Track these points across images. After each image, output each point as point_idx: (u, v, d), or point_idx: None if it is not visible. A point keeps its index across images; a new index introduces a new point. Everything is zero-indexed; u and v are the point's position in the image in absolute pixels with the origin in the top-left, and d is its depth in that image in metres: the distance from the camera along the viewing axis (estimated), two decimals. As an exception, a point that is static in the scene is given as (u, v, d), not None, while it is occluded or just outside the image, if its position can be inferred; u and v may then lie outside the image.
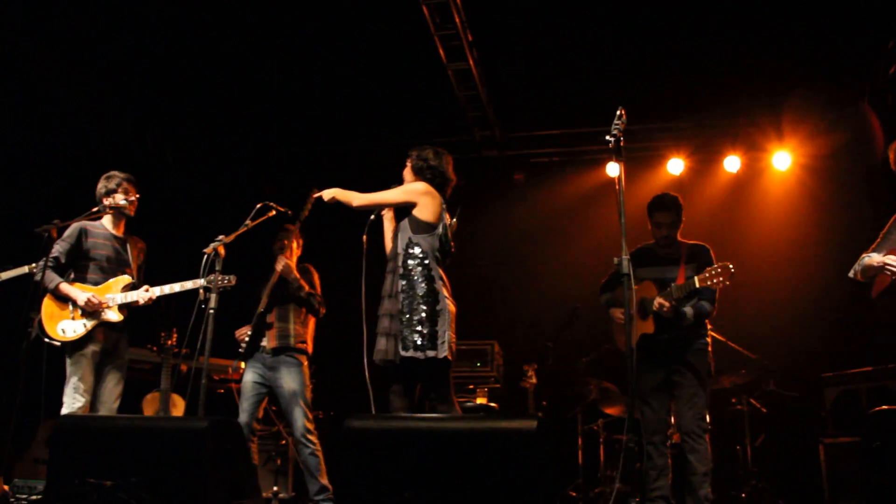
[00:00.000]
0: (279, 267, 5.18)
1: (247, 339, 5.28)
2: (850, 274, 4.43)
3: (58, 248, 4.99)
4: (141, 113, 8.49)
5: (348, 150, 8.88)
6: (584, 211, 8.41)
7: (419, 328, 4.03)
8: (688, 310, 4.82)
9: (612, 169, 8.28)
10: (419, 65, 7.33)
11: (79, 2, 6.69)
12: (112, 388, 5.04)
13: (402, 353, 4.01)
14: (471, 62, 7.08)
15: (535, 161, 8.69)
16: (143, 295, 5.00)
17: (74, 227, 5.08)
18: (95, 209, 5.05)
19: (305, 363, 5.34)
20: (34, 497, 4.12)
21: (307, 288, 5.32)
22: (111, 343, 5.07)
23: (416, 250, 4.21)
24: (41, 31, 7.05)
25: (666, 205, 5.06)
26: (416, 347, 4.00)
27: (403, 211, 4.38)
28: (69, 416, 4.43)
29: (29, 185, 7.58)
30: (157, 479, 3.19)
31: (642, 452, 5.11)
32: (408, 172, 4.53)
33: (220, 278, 4.64)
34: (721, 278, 4.58)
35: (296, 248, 5.48)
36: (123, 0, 6.68)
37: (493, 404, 6.77)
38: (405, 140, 8.32)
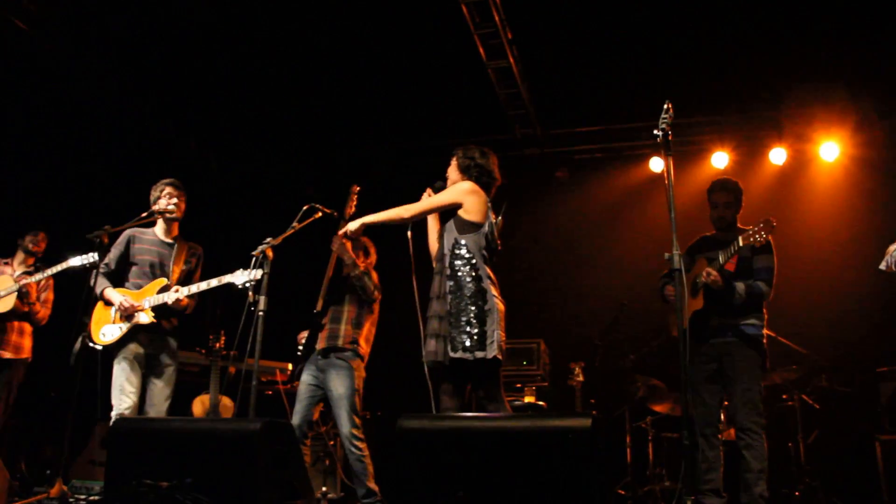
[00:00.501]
0: (334, 246, 5.12)
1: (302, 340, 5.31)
2: (882, 266, 4.32)
3: (110, 256, 5.14)
4: (184, 119, 8.61)
5: (390, 150, 8.91)
6: (629, 207, 8.33)
7: (468, 329, 3.99)
8: (739, 285, 4.72)
9: (656, 164, 8.21)
10: (459, 64, 7.32)
11: (123, 13, 6.81)
12: (160, 391, 5.09)
13: (451, 354, 3.97)
14: (511, 60, 7.06)
15: (577, 158, 8.64)
16: (171, 296, 5.01)
17: (125, 234, 5.19)
18: (144, 214, 5.12)
19: (357, 365, 5.22)
20: (92, 498, 4.19)
21: (361, 266, 5.22)
22: (156, 346, 5.12)
23: (463, 250, 4.17)
24: (90, 43, 7.20)
25: (723, 185, 5.04)
26: (465, 349, 3.96)
27: (449, 211, 4.34)
28: (124, 419, 4.50)
29: (81, 192, 7.75)
30: (211, 480, 3.22)
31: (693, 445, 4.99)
32: (453, 170, 4.48)
33: (246, 273, 4.67)
34: (763, 234, 4.51)
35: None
36: (165, 9, 6.78)
37: (541, 403, 6.73)
38: (446, 139, 8.38)
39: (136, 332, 5.06)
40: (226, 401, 6.55)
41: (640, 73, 7.36)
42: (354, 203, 5.18)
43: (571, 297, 8.31)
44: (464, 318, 4.01)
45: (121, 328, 5.03)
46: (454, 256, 4.18)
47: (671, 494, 6.41)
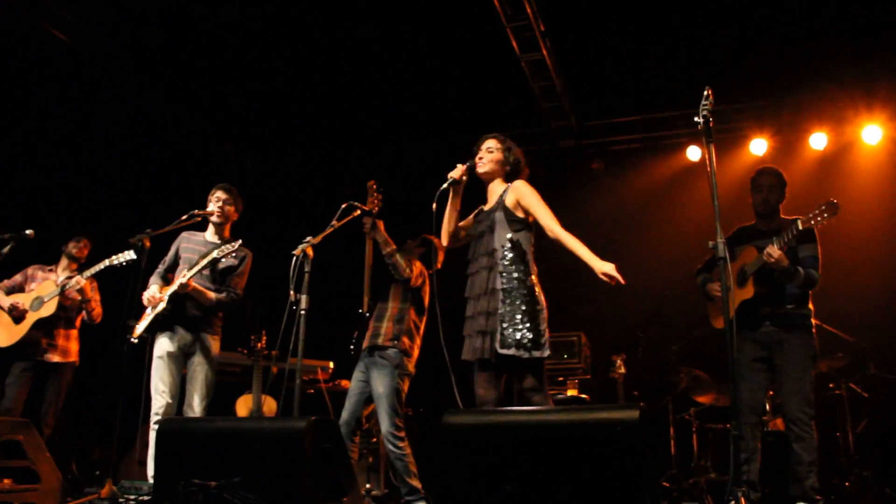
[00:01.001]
0: (367, 228, 5.12)
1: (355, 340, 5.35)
2: None
3: (167, 256, 5.33)
4: (220, 123, 8.70)
5: (425, 147, 8.91)
6: (667, 196, 8.26)
7: (520, 327, 3.92)
8: (799, 268, 4.62)
9: (693, 152, 8.13)
10: (492, 58, 7.30)
11: (158, 21, 6.90)
12: (196, 390, 5.11)
13: (502, 350, 3.89)
14: (544, 52, 7.02)
15: (612, 149, 8.59)
16: (177, 282, 5.05)
17: (179, 236, 5.36)
18: (184, 217, 5.18)
19: (400, 362, 5.20)
20: (142, 498, 4.25)
21: (392, 245, 5.17)
22: (189, 344, 5.16)
23: (517, 248, 4.11)
24: (126, 50, 7.32)
25: (768, 170, 4.97)
26: (520, 346, 3.89)
27: (499, 206, 4.24)
28: (171, 420, 4.55)
29: (122, 197, 7.86)
30: (258, 478, 3.24)
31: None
32: (496, 160, 4.38)
33: (227, 247, 4.87)
34: (826, 215, 4.42)
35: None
36: (199, 16, 6.85)
37: (584, 396, 6.69)
38: (481, 134, 8.36)
39: (168, 329, 5.12)
40: (269, 400, 6.60)
41: (675, 61, 7.28)
42: (377, 199, 5.17)
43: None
44: (518, 317, 3.94)
45: (148, 319, 5.13)
46: (506, 253, 4.10)
47: (717, 486, 6.34)
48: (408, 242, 5.51)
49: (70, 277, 6.08)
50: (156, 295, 5.10)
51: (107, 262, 5.78)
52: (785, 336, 4.67)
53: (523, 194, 4.20)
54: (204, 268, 5.06)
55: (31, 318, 6.00)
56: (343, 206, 4.80)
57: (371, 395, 5.26)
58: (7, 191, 7.08)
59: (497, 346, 3.90)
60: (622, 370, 6.56)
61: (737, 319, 4.54)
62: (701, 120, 3.68)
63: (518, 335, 3.91)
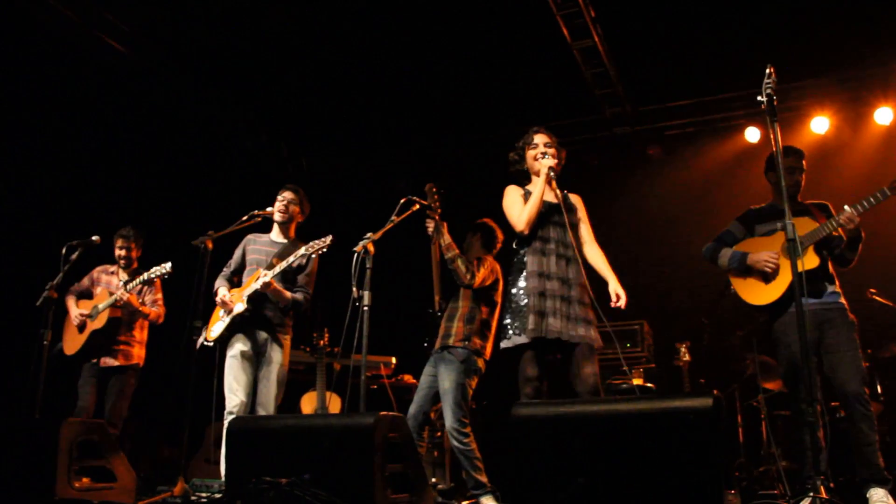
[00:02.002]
0: (429, 229, 5.15)
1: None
2: None
3: (231, 259, 5.42)
4: (274, 124, 8.80)
5: (478, 139, 8.90)
6: (726, 179, 8.11)
7: (593, 317, 4.29)
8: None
9: (752, 134, 7.97)
10: (543, 47, 7.24)
11: (209, 26, 7.01)
12: (269, 389, 5.16)
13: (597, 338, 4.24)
14: (596, 39, 6.94)
15: (669, 134, 8.46)
16: (260, 281, 5.08)
17: (245, 238, 5.46)
18: (245, 217, 5.25)
19: (468, 360, 5.20)
20: (215, 496, 4.32)
21: (455, 249, 5.15)
22: (263, 344, 5.22)
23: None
24: (181, 57, 7.45)
25: (796, 150, 4.84)
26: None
27: (573, 209, 4.52)
28: (240, 419, 4.61)
29: (183, 200, 8.01)
30: (328, 475, 3.26)
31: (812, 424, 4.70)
32: (556, 158, 4.56)
33: (317, 242, 4.93)
34: None
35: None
36: (249, 18, 6.94)
37: (649, 384, 6.61)
38: (535, 125, 8.31)
39: (241, 329, 5.18)
40: (333, 397, 6.66)
41: (728, 41, 7.13)
42: (438, 201, 5.18)
43: (672, 276, 8.14)
44: (589, 306, 4.30)
45: (223, 322, 5.19)
46: (581, 246, 4.42)
47: (789, 474, 6.21)
48: (467, 237, 5.49)
49: (127, 282, 6.17)
50: (230, 297, 5.17)
51: (144, 276, 5.89)
52: (836, 314, 4.54)
53: (582, 209, 4.62)
54: (290, 266, 5.13)
55: (88, 328, 6.10)
56: (402, 200, 4.81)
57: (432, 392, 5.31)
58: (72, 196, 7.27)
59: (581, 330, 4.20)
60: (687, 358, 6.45)
61: (792, 293, 4.34)
62: (764, 99, 3.59)
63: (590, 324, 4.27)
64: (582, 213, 4.57)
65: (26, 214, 6.98)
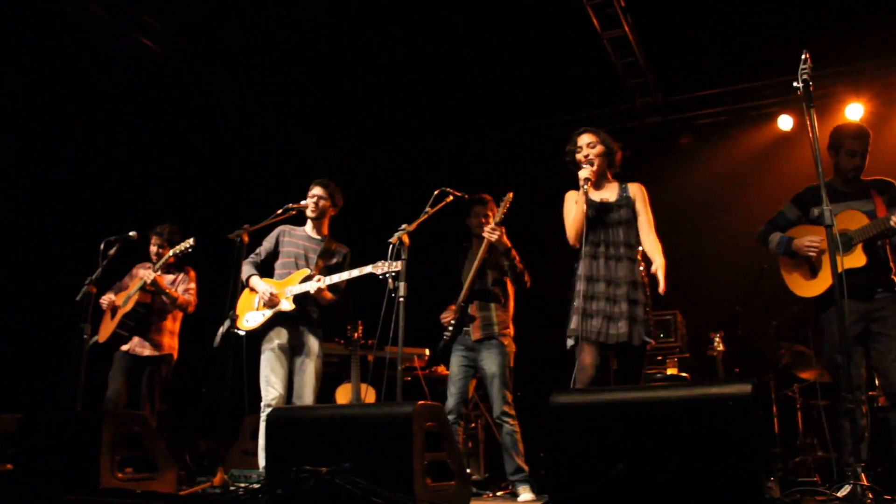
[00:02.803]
0: (493, 237, 5.19)
1: (453, 323, 5.40)
2: None
3: (261, 247, 5.44)
4: (304, 118, 8.86)
5: (509, 131, 8.90)
6: (759, 168, 8.04)
7: (650, 314, 4.32)
8: None
9: (785, 122, 7.88)
10: (573, 38, 7.23)
11: (241, 22, 7.08)
12: (306, 382, 5.22)
13: (645, 338, 4.22)
14: (626, 28, 6.92)
15: (700, 123, 8.39)
16: (314, 284, 5.12)
17: (277, 229, 5.47)
18: (280, 210, 5.30)
19: (508, 342, 5.39)
20: (253, 485, 4.37)
21: (517, 256, 5.33)
22: (300, 337, 5.27)
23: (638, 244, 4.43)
24: (213, 53, 7.54)
25: (862, 131, 4.68)
26: (650, 333, 4.28)
27: (629, 203, 4.46)
28: (278, 409, 4.66)
29: (216, 194, 8.10)
30: (367, 464, 3.29)
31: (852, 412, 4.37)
32: (602, 156, 4.51)
33: (386, 264, 4.78)
34: None
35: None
36: (279, 12, 6.99)
37: (684, 374, 6.58)
38: (566, 116, 8.31)
39: (279, 323, 5.23)
40: (367, 389, 6.70)
41: (761, 29, 7.07)
42: (505, 209, 5.23)
43: (705, 266, 8.08)
44: (648, 308, 4.31)
45: (263, 314, 5.22)
46: (637, 249, 4.41)
47: (824, 465, 6.17)
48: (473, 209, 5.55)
49: (157, 265, 6.21)
50: (273, 291, 5.21)
51: (171, 252, 5.97)
52: (889, 304, 4.40)
53: (641, 199, 4.52)
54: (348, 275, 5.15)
55: (119, 313, 6.15)
56: (436, 192, 4.83)
57: (472, 377, 5.42)
58: (109, 192, 7.38)
59: (640, 333, 4.21)
60: (721, 347, 6.41)
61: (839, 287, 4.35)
62: (800, 85, 3.55)
63: (650, 326, 4.29)
64: (640, 203, 4.49)
65: (65, 211, 7.09)
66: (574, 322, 4.23)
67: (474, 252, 5.45)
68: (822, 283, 4.55)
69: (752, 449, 2.66)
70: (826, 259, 4.46)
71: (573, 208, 4.44)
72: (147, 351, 6.18)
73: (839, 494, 3.30)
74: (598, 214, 4.41)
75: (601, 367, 4.22)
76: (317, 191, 5.47)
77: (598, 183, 4.49)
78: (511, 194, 5.17)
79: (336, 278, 5.13)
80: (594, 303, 4.24)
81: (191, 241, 5.86)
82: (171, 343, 6.32)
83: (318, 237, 5.47)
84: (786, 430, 6.62)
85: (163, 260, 6.04)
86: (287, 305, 5.18)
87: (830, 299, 4.44)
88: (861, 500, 3.11)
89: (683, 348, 6.99)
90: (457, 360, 5.41)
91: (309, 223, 5.52)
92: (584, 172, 4.36)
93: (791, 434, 6.61)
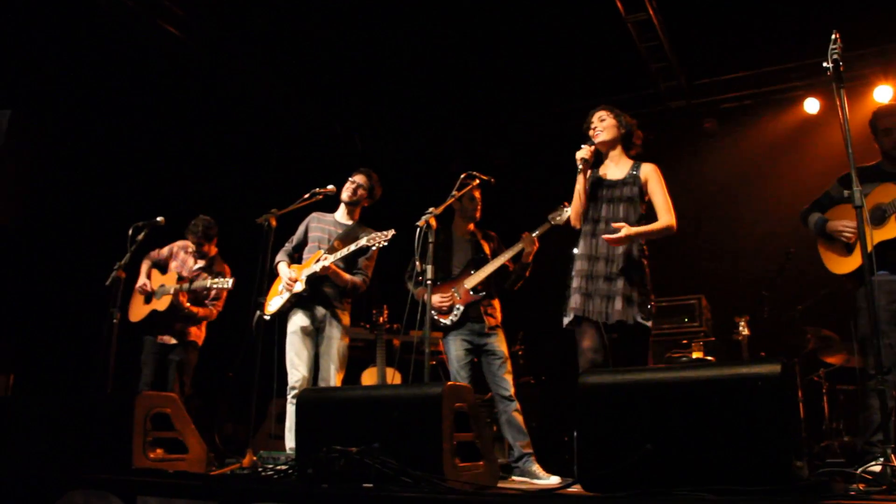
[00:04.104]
0: (531, 248, 5.35)
1: (457, 310, 5.44)
2: None
3: (294, 235, 5.55)
4: (327, 100, 8.88)
5: (533, 115, 8.89)
6: (785, 151, 7.98)
7: (649, 297, 4.25)
8: None
9: (811, 105, 7.82)
10: (597, 21, 7.19)
11: (263, 6, 7.09)
12: (329, 365, 5.29)
13: (641, 320, 4.15)
14: (650, 11, 6.87)
15: (725, 107, 8.35)
16: (320, 264, 5.20)
17: (309, 216, 5.58)
18: (307, 195, 5.35)
19: None
20: (280, 467, 4.42)
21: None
22: (321, 320, 5.33)
23: (643, 223, 4.32)
24: (236, 39, 7.57)
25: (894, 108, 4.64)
26: (649, 316, 4.21)
27: (635, 181, 4.38)
28: (309, 390, 4.73)
29: (239, 179, 8.16)
30: (397, 444, 3.32)
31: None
32: (612, 129, 4.48)
33: (378, 234, 4.97)
34: None
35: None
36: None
37: (709, 358, 6.57)
38: (589, 100, 8.25)
39: (298, 305, 5.32)
40: (392, 372, 6.74)
41: (785, 10, 6.99)
42: (545, 231, 5.34)
43: (730, 250, 8.04)
44: (647, 287, 4.25)
45: (282, 298, 5.33)
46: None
47: (851, 449, 6.13)
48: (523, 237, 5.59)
49: (202, 269, 6.29)
50: (291, 276, 5.29)
51: (207, 284, 6.05)
52: None
53: (654, 179, 4.42)
54: (350, 253, 5.22)
55: (151, 305, 6.24)
56: (462, 176, 4.85)
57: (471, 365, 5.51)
58: (134, 179, 7.45)
59: (636, 315, 4.14)
60: (746, 332, 6.38)
61: (876, 262, 4.16)
62: (830, 65, 3.51)
63: (648, 306, 4.23)
64: (654, 184, 4.40)
65: (94, 197, 7.17)
66: (573, 301, 4.25)
67: (458, 236, 5.64)
68: (856, 259, 4.48)
69: (781, 429, 2.66)
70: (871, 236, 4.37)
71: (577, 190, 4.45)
72: (173, 340, 6.29)
73: (867, 475, 3.28)
74: (600, 191, 4.41)
75: (604, 349, 4.21)
76: (358, 178, 5.53)
77: (611, 160, 4.50)
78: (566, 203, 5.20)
79: (339, 254, 5.20)
80: (594, 282, 4.23)
81: (230, 282, 5.96)
82: (197, 332, 6.42)
83: (349, 223, 5.52)
84: (812, 414, 6.59)
85: (197, 284, 6.10)
86: (300, 287, 5.27)
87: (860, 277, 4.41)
88: (891, 480, 3.09)
89: (709, 332, 6.97)
90: (460, 344, 5.44)
91: (342, 209, 5.58)
92: (581, 153, 4.37)
93: (817, 419, 6.58)
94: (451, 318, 5.47)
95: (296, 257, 5.56)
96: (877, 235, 4.39)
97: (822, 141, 7.65)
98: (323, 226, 5.51)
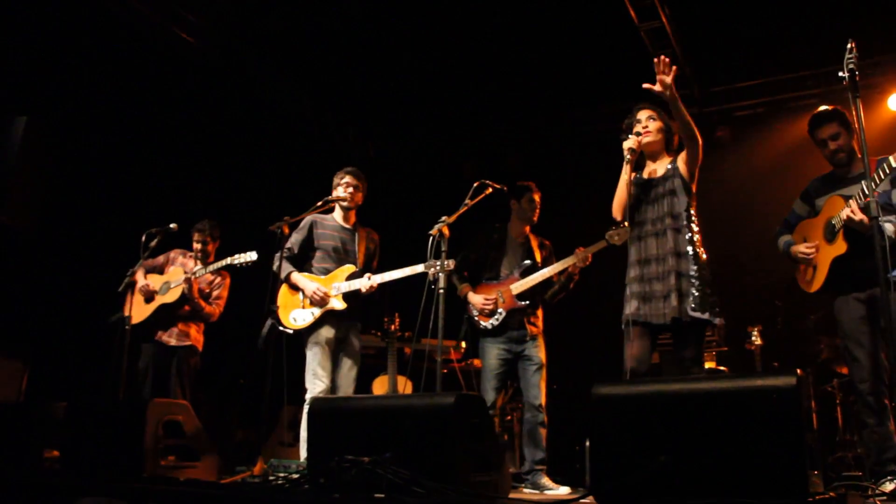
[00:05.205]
0: (584, 264, 5.40)
1: (499, 315, 5.45)
2: None
3: (292, 240, 5.37)
4: (339, 108, 8.90)
5: (546, 122, 8.88)
6: (797, 160, 7.89)
7: (710, 291, 4.00)
8: (888, 225, 3.97)
9: (827, 113, 7.77)
10: (610, 29, 7.20)
11: (276, 13, 7.11)
12: (347, 374, 5.30)
13: (693, 313, 3.96)
14: (664, 19, 6.87)
15: (738, 115, 8.33)
16: (364, 283, 5.21)
17: (307, 219, 5.43)
18: (320, 203, 5.33)
19: None
20: (293, 475, 4.42)
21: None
22: (343, 331, 5.32)
23: (694, 215, 4.20)
24: (248, 45, 7.60)
25: (825, 116, 4.57)
26: (712, 311, 3.98)
27: (675, 173, 4.27)
28: (320, 399, 4.71)
29: (251, 186, 8.17)
30: (409, 454, 3.31)
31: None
32: (658, 132, 4.40)
33: (438, 263, 4.74)
34: None
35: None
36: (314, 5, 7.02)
37: (722, 368, 6.54)
38: (603, 107, 8.27)
39: (326, 317, 5.26)
40: (404, 381, 6.73)
41: (799, 18, 6.98)
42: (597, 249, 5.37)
43: (743, 259, 8.00)
44: (707, 280, 4.03)
45: (312, 313, 5.24)
46: (690, 218, 4.18)
47: (864, 461, 6.08)
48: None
49: (207, 265, 6.28)
50: (322, 290, 5.22)
51: (228, 261, 5.90)
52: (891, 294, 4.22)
53: (682, 157, 4.28)
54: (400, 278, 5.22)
55: (157, 301, 6.19)
56: (475, 184, 4.84)
57: (506, 375, 5.51)
58: (146, 186, 7.47)
59: (689, 308, 3.95)
60: (759, 341, 6.36)
61: (834, 279, 4.33)
62: (847, 75, 3.48)
63: (710, 299, 3.98)
64: (686, 154, 4.27)
65: (106, 203, 7.19)
66: (629, 307, 4.13)
67: (513, 238, 5.63)
68: (819, 277, 4.52)
69: (796, 442, 2.64)
70: (820, 253, 4.49)
71: (620, 187, 4.34)
72: (174, 340, 6.23)
73: (886, 490, 3.26)
74: (643, 193, 4.32)
75: (650, 359, 4.12)
76: (352, 180, 5.48)
77: (653, 161, 4.42)
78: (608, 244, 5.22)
79: (388, 277, 5.18)
80: (649, 284, 4.10)
81: (253, 255, 5.77)
82: (197, 335, 6.36)
83: (350, 227, 5.51)
84: (825, 425, 6.54)
85: (218, 265, 6.03)
86: (339, 304, 5.24)
87: (834, 291, 4.46)
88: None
89: (721, 342, 6.93)
90: (497, 352, 5.45)
91: (338, 212, 5.53)
92: (628, 142, 4.26)
93: (831, 429, 6.53)
94: (491, 321, 5.47)
95: (304, 265, 5.46)
96: (829, 252, 4.40)
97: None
98: (331, 232, 5.46)
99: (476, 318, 5.50)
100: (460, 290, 5.62)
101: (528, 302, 5.45)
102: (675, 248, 4.08)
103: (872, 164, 4.00)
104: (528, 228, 5.73)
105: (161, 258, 6.46)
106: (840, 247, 4.32)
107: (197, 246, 6.40)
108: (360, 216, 5.68)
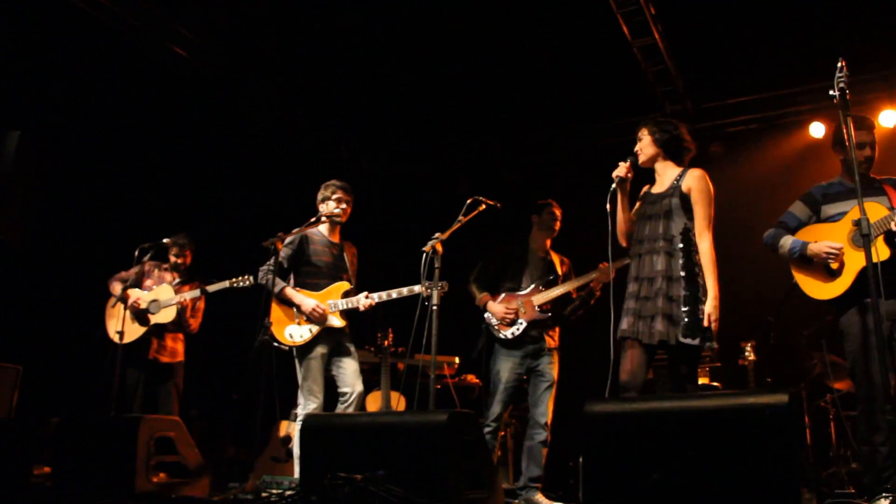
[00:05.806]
0: (604, 280, 5.42)
1: (519, 325, 5.45)
2: None
3: (282, 254, 5.24)
4: (332, 124, 8.91)
5: (540, 138, 8.90)
6: (789, 176, 7.94)
7: (702, 317, 3.96)
8: None
9: (817, 129, 7.81)
10: (603, 45, 7.23)
11: (271, 30, 7.14)
12: (355, 374, 5.27)
13: (684, 339, 3.92)
14: (656, 36, 6.91)
15: (730, 130, 8.35)
16: (363, 301, 5.19)
17: (297, 234, 5.36)
18: (313, 219, 5.30)
19: None
20: (287, 492, 4.40)
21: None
22: (335, 346, 5.30)
23: (692, 236, 4.13)
24: (243, 62, 7.61)
25: (867, 122, 4.52)
26: (703, 337, 3.94)
27: (675, 192, 4.21)
28: (313, 415, 4.68)
29: (240, 201, 8.17)
30: (401, 471, 3.30)
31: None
32: (648, 146, 4.36)
33: (434, 284, 4.71)
34: None
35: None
36: (308, 21, 7.06)
37: (715, 384, 6.53)
38: (595, 124, 8.30)
39: (321, 334, 5.23)
40: (397, 396, 6.72)
41: (792, 35, 7.02)
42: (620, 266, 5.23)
43: (736, 275, 7.98)
44: (699, 307, 3.98)
45: (310, 330, 5.19)
46: (687, 241, 4.12)
47: (858, 477, 6.08)
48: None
49: (181, 283, 6.27)
50: (320, 307, 5.20)
51: (227, 284, 5.90)
52: None
53: (696, 189, 4.22)
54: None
55: (152, 321, 6.17)
56: (469, 200, 4.84)
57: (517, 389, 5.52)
58: (138, 200, 7.47)
59: (680, 333, 3.92)
60: (752, 357, 6.36)
61: (860, 287, 4.10)
62: (837, 93, 3.50)
63: (701, 324, 3.93)
64: (696, 194, 4.21)
65: (98, 218, 7.19)
66: (623, 322, 4.11)
67: (534, 251, 5.68)
68: (842, 283, 4.28)
69: (789, 459, 2.64)
70: (846, 259, 4.25)
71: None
72: (165, 358, 6.26)
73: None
74: (643, 208, 4.30)
75: (645, 374, 4.07)
76: (344, 196, 5.44)
77: (657, 174, 4.37)
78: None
79: (385, 296, 5.18)
80: (643, 303, 4.07)
81: (251, 278, 5.71)
82: (182, 349, 6.42)
83: (338, 242, 5.51)
84: (818, 441, 6.54)
85: (217, 286, 6.01)
86: (338, 322, 5.23)
87: (852, 299, 4.24)
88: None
89: (714, 357, 6.93)
90: (511, 365, 5.45)
91: (324, 227, 5.48)
92: (616, 171, 4.26)
93: (824, 445, 6.53)
94: (511, 331, 5.46)
95: (290, 280, 5.39)
96: (862, 258, 4.04)
97: (828, 165, 7.57)
98: (322, 248, 5.41)
99: (495, 327, 5.49)
100: (479, 299, 5.61)
101: (549, 314, 5.46)
102: (665, 272, 4.06)
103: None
104: (549, 242, 5.77)
105: (134, 269, 6.34)
106: (883, 251, 4.11)
107: (175, 260, 6.37)
108: (348, 231, 5.68)
